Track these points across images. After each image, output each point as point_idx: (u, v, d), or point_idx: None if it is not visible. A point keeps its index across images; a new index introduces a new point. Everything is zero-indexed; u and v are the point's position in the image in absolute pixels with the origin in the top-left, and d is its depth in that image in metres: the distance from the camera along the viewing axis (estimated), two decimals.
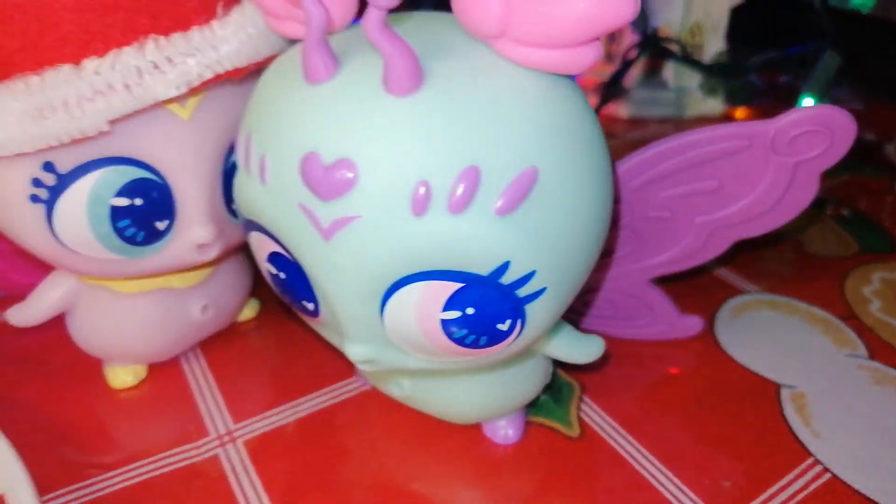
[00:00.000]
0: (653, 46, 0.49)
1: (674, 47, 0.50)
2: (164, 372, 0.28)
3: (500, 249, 0.16)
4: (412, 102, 0.16)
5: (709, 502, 0.22)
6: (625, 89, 0.52)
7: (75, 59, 0.19)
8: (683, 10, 0.50)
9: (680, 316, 0.28)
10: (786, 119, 0.23)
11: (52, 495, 0.23)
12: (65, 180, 0.21)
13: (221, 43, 0.21)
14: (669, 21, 0.51)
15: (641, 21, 0.48)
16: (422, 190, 0.16)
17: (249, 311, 0.31)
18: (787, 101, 0.53)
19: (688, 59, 0.50)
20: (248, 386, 0.28)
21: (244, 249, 0.28)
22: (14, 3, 0.19)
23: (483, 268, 0.17)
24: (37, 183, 0.21)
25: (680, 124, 0.52)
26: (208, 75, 0.21)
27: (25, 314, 0.26)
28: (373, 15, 0.15)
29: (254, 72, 0.22)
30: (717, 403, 0.26)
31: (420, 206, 0.16)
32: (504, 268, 0.17)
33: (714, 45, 0.52)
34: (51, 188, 0.21)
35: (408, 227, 0.16)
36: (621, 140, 0.49)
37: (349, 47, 0.18)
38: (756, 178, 0.24)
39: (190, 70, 0.20)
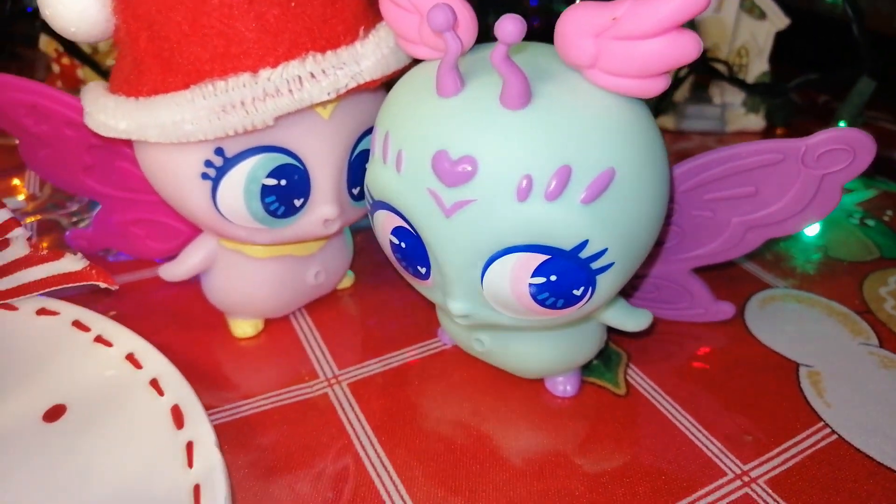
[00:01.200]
0: (701, 66, 0.53)
1: (720, 67, 0.53)
2: (277, 326, 0.34)
3: (582, 230, 0.21)
4: (522, 115, 0.21)
5: (731, 449, 0.27)
6: (674, 104, 0.56)
7: (253, 69, 0.24)
8: (731, 34, 0.54)
9: (715, 302, 0.32)
10: (816, 138, 0.27)
11: None
12: (230, 163, 0.26)
13: (362, 59, 0.26)
14: (718, 43, 0.54)
15: None
16: (525, 182, 0.20)
17: (347, 281, 0.36)
18: (825, 119, 0.56)
19: (733, 78, 0.53)
20: (348, 341, 0.33)
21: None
22: (208, 24, 0.24)
23: (567, 244, 0.21)
24: (208, 164, 0.26)
25: (722, 138, 0.56)
26: (351, 85, 0.25)
27: (175, 271, 0.32)
28: (499, 48, 0.20)
29: (384, 82, 0.26)
30: (742, 375, 0.31)
31: (523, 194, 0.21)
32: (583, 245, 0.21)
33: (758, 67, 0.55)
34: (218, 168, 0.26)
35: (512, 210, 0.21)
36: (668, 150, 0.53)
37: (472, 68, 0.22)
38: (787, 187, 0.28)
39: (338, 80, 0.25)
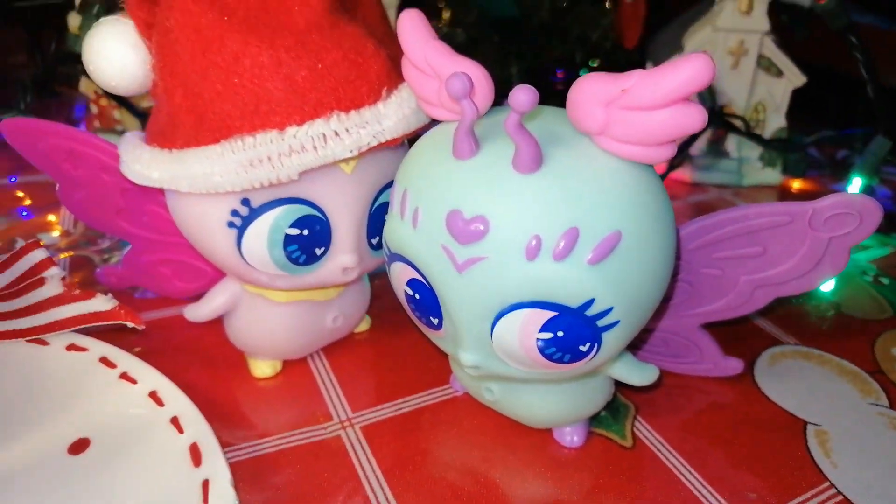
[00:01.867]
0: (718, 120, 0.54)
1: (737, 122, 0.54)
2: (295, 368, 0.35)
3: (588, 290, 0.22)
4: (533, 179, 0.22)
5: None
6: (691, 156, 0.57)
7: (280, 126, 0.26)
8: (749, 90, 0.55)
9: (724, 357, 0.33)
10: (823, 202, 0.27)
11: None
12: (255, 213, 0.27)
13: (384, 119, 0.27)
14: (734, 99, 0.56)
15: (710, 97, 0.53)
16: (534, 242, 0.22)
17: (364, 325, 0.38)
18: (841, 174, 0.56)
19: (750, 133, 0.54)
20: (362, 384, 0.34)
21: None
22: (239, 83, 0.26)
23: (573, 302, 0.22)
24: (235, 213, 0.27)
25: (739, 191, 0.57)
26: (373, 143, 0.27)
27: (199, 312, 0.33)
28: (512, 116, 0.21)
29: (404, 141, 0.28)
30: (749, 432, 0.31)
31: (532, 253, 0.22)
32: (589, 303, 0.22)
33: (775, 122, 0.56)
34: (244, 218, 0.28)
35: (521, 268, 0.22)
36: (684, 202, 0.54)
37: (487, 131, 0.23)
38: (795, 248, 0.29)
39: (361, 138, 0.27)
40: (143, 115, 0.61)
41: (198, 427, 0.25)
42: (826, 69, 0.59)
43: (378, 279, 0.38)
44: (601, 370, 0.28)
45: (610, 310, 0.22)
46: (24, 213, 0.50)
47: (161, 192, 0.31)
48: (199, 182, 0.26)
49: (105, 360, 0.29)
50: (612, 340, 0.23)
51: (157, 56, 0.28)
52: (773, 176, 0.58)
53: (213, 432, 0.25)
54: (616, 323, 0.23)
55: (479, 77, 0.24)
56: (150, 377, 0.28)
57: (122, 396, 0.27)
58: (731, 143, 0.58)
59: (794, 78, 0.55)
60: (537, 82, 0.58)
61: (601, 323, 0.22)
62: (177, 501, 0.22)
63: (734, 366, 0.33)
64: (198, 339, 0.36)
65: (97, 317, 0.30)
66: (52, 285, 0.31)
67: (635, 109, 0.21)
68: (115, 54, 0.29)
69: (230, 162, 0.26)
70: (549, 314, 0.22)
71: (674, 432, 0.31)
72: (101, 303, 0.30)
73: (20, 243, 0.42)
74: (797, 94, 0.56)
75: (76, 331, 0.31)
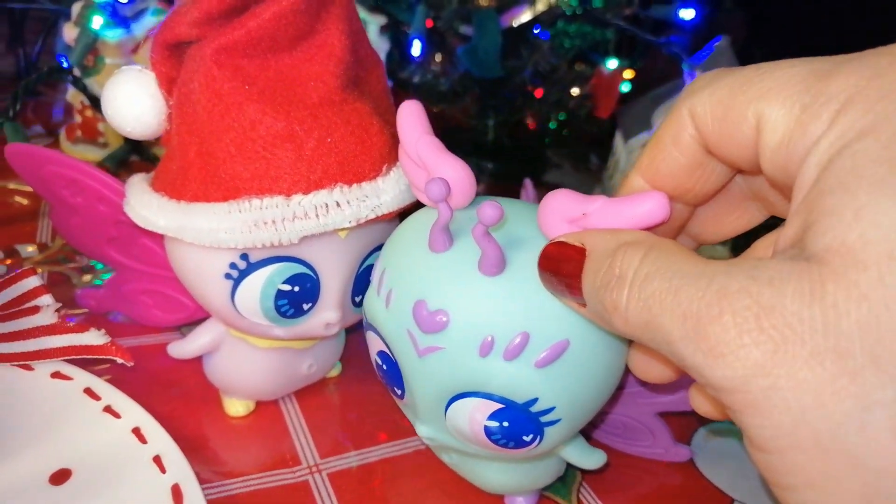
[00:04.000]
0: None
1: None
2: (267, 409, 0.40)
3: (533, 389, 0.27)
4: (494, 282, 0.27)
5: None
6: None
7: (286, 193, 0.31)
8: None
9: (675, 444, 0.38)
10: None
11: None
12: (252, 267, 0.33)
13: (383, 193, 0.33)
14: None
15: None
16: (488, 339, 0.27)
17: (335, 371, 0.43)
18: None
19: None
20: (331, 429, 0.40)
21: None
22: (252, 148, 0.31)
23: (519, 398, 0.28)
24: (233, 266, 0.33)
25: None
26: (371, 216, 0.32)
27: (183, 349, 0.39)
28: (478, 227, 0.27)
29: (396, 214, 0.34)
30: None
31: (485, 350, 0.27)
32: (533, 401, 0.28)
33: None
34: (241, 271, 0.33)
35: (474, 362, 0.27)
36: None
37: (464, 225, 0.29)
38: None
39: (361, 211, 0.32)
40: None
41: (180, 468, 0.31)
42: None
43: (354, 330, 0.43)
44: (551, 453, 0.34)
45: (552, 409, 0.28)
46: None
47: None
48: (204, 236, 0.32)
49: (89, 392, 0.34)
50: (554, 434, 0.29)
51: (176, 112, 0.34)
52: (723, 253, 0.65)
53: (194, 475, 0.31)
54: (558, 420, 0.28)
55: (461, 177, 0.29)
56: (134, 412, 0.34)
57: (106, 430, 0.33)
58: None
59: None
60: (511, 136, 0.67)
61: (544, 419, 0.28)
62: None
63: (683, 453, 0.38)
64: (171, 369, 0.41)
65: (88, 350, 0.35)
66: (46, 314, 0.37)
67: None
68: (134, 103, 0.34)
69: (236, 220, 0.31)
70: (497, 405, 0.28)
71: (616, 499, 0.36)
72: (94, 337, 0.35)
73: None
74: None
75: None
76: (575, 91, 0.83)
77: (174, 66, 0.34)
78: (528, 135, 0.89)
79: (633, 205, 0.26)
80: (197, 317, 0.42)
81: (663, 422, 0.38)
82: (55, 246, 0.53)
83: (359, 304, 0.37)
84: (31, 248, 0.53)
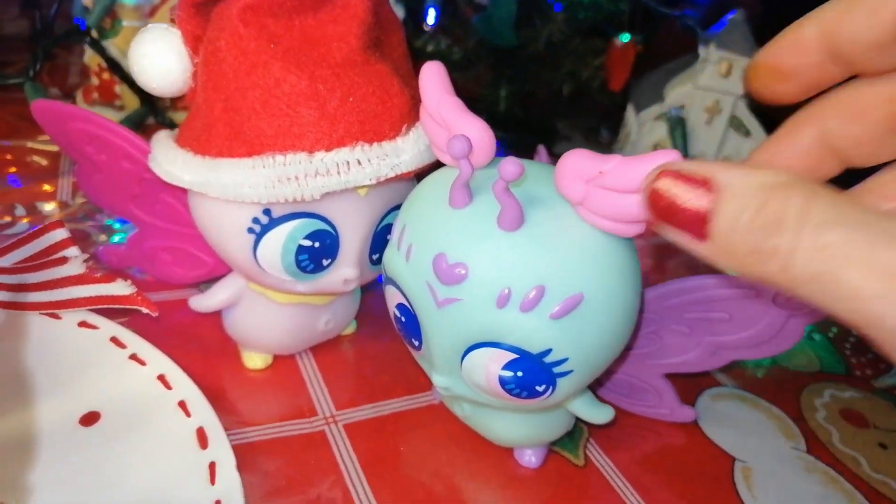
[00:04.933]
0: None
1: None
2: (284, 363, 0.41)
3: (547, 340, 0.28)
4: (512, 237, 0.28)
5: None
6: None
7: (309, 149, 0.32)
8: (719, 146, 0.67)
9: (680, 405, 0.39)
10: None
11: None
12: (274, 222, 0.34)
13: (402, 153, 0.34)
14: (704, 152, 0.67)
15: (683, 146, 0.66)
16: (505, 292, 0.28)
17: (350, 328, 0.45)
18: None
19: None
20: (346, 384, 0.41)
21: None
22: (276, 105, 0.32)
23: (533, 349, 0.29)
24: (255, 221, 0.34)
25: None
26: (390, 174, 0.33)
27: (204, 303, 0.40)
28: (499, 182, 0.28)
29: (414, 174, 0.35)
30: (685, 462, 0.39)
31: (502, 302, 0.28)
32: (547, 352, 0.29)
33: None
34: (263, 226, 0.34)
35: (491, 313, 0.28)
36: (647, 243, 0.62)
37: (483, 183, 0.30)
38: (757, 319, 0.35)
39: (381, 169, 0.33)
40: (142, 94, 0.69)
41: (204, 413, 0.32)
42: None
43: (369, 290, 0.45)
44: (561, 405, 0.35)
45: (566, 360, 0.29)
46: (12, 180, 0.58)
47: (175, 185, 0.38)
48: (228, 190, 0.33)
49: (115, 340, 0.36)
50: (566, 385, 0.30)
51: (202, 69, 0.34)
52: None
53: (218, 419, 0.32)
54: (570, 371, 0.29)
55: (482, 136, 0.30)
56: (159, 360, 0.35)
57: (132, 377, 0.34)
58: None
59: (760, 140, 0.64)
60: (523, 107, 0.68)
61: (557, 370, 0.29)
62: (185, 478, 0.29)
63: (688, 413, 0.40)
64: (191, 324, 0.42)
65: (114, 300, 0.36)
66: (74, 265, 0.38)
67: (610, 190, 0.28)
68: (160, 60, 0.35)
69: (260, 176, 0.32)
70: (511, 356, 0.29)
71: (622, 458, 0.38)
72: (120, 287, 0.36)
73: (20, 210, 0.50)
74: None
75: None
76: (588, 63, 0.84)
77: (200, 25, 0.35)
78: (539, 106, 0.89)
79: (647, 163, 0.27)
80: (216, 273, 0.43)
81: (669, 383, 0.39)
82: (75, 204, 0.54)
83: (376, 262, 0.38)
84: (50, 206, 0.54)
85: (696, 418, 0.41)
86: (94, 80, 0.73)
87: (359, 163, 0.33)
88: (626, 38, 0.83)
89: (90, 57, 0.72)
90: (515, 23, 0.79)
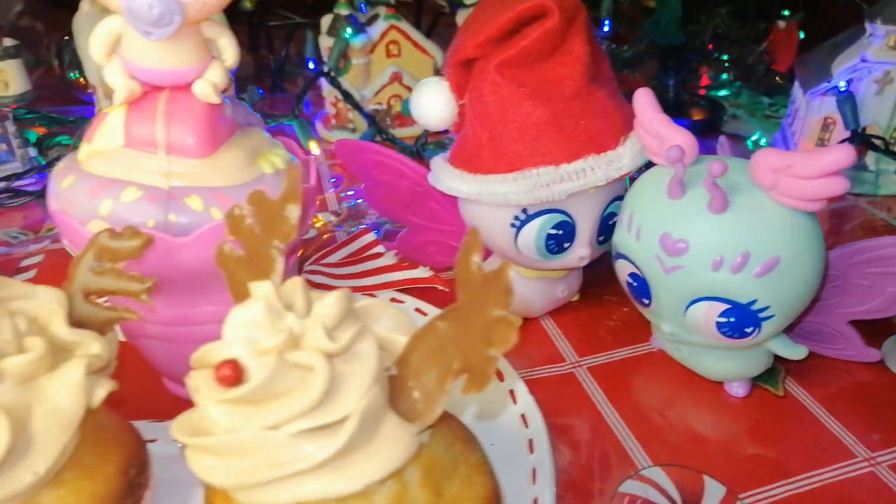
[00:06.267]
0: (861, 139, 0.67)
1: (878, 142, 0.67)
2: (531, 324, 0.53)
3: (753, 293, 0.38)
4: (721, 218, 0.38)
5: (863, 442, 0.42)
6: None
7: (555, 163, 0.43)
8: (891, 114, 0.70)
9: (865, 347, 0.47)
10: None
11: None
12: (529, 218, 0.46)
13: (622, 158, 0.44)
14: (877, 121, 0.70)
15: (853, 119, 0.68)
16: (718, 259, 0.38)
17: (576, 296, 0.56)
18: None
19: (888, 150, 0.67)
20: (581, 338, 0.52)
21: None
22: (529, 134, 0.44)
23: (742, 300, 0.38)
24: (516, 218, 0.46)
25: (874, 200, 0.72)
26: (615, 176, 0.44)
27: None
28: (708, 178, 0.38)
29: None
30: (873, 393, 0.46)
31: (716, 266, 0.38)
32: (753, 302, 0.38)
33: None
34: (522, 221, 0.46)
35: (708, 275, 0.38)
36: (824, 209, 0.67)
37: (692, 178, 0.40)
38: None
39: (608, 173, 0.44)
40: (368, 117, 0.84)
41: (507, 371, 0.44)
42: None
43: (589, 268, 0.55)
44: (763, 345, 0.44)
45: (768, 307, 0.38)
46: (333, 180, 0.76)
47: (440, 194, 0.50)
48: (498, 197, 0.45)
49: (419, 310, 0.49)
50: (769, 327, 0.40)
51: (470, 110, 0.47)
52: None
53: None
54: (772, 316, 0.39)
55: (689, 143, 0.40)
56: None
57: None
58: (871, 158, 0.72)
59: None
60: (690, 93, 0.79)
61: (761, 315, 0.39)
62: (497, 401, 0.41)
63: (873, 354, 0.47)
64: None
65: (418, 281, 0.50)
66: (388, 257, 0.52)
67: (797, 178, 0.37)
68: (434, 104, 0.48)
69: (521, 186, 0.44)
70: (725, 306, 0.39)
71: (817, 391, 0.46)
72: (422, 272, 0.50)
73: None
74: None
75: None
76: (752, 49, 0.89)
77: (463, 76, 0.47)
78: (706, 91, 0.96)
79: (828, 155, 0.36)
80: None
81: (854, 329, 0.47)
82: (343, 213, 0.69)
83: (601, 243, 0.49)
84: (325, 216, 0.69)
85: (882, 358, 0.48)
86: (332, 110, 0.89)
87: (592, 169, 0.44)
88: (789, 19, 0.88)
89: (328, 91, 0.88)
90: (681, 21, 0.87)
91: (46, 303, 0.30)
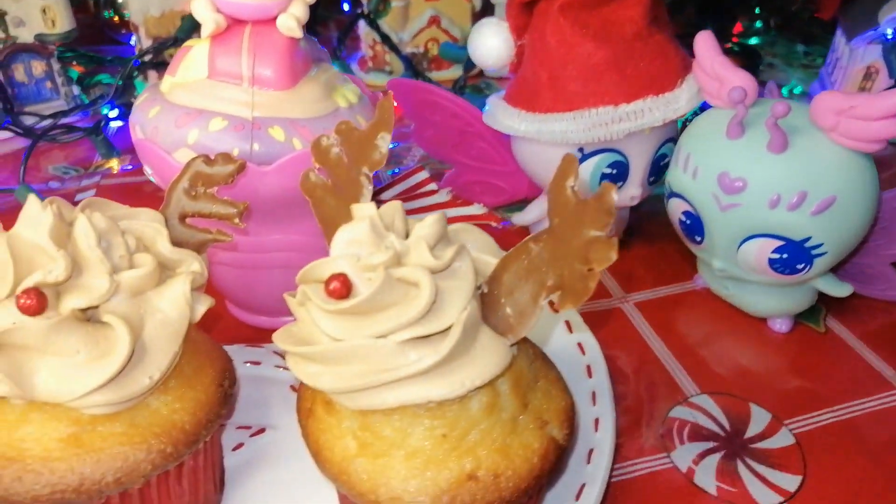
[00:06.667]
0: None
1: None
2: None
3: (808, 230, 0.39)
4: (779, 158, 0.39)
5: None
6: None
7: (614, 103, 0.45)
8: None
9: None
10: None
11: None
12: (585, 157, 0.47)
13: (680, 100, 0.45)
14: None
15: None
16: (775, 197, 0.39)
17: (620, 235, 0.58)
18: None
19: None
20: (626, 274, 0.54)
21: None
22: (589, 74, 0.45)
23: (797, 237, 0.40)
24: None
25: None
26: (672, 117, 0.45)
27: (525, 218, 0.54)
28: (770, 119, 0.39)
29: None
30: None
31: (773, 205, 0.40)
32: (807, 239, 0.40)
33: None
34: (578, 160, 0.48)
35: (765, 213, 0.40)
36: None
37: (751, 119, 0.41)
38: None
39: (666, 113, 0.45)
40: (406, 60, 0.84)
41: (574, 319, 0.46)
42: None
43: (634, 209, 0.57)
44: (809, 282, 0.46)
45: (821, 244, 0.40)
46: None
47: (491, 134, 0.51)
48: (556, 136, 0.46)
49: None
50: (820, 263, 0.41)
51: (530, 50, 0.48)
52: None
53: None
54: (824, 253, 0.40)
55: (749, 85, 0.41)
56: None
57: None
58: None
59: None
60: (728, 39, 0.78)
61: (814, 252, 0.40)
62: (564, 352, 0.43)
63: None
64: (519, 234, 0.57)
65: (471, 218, 0.52)
66: (442, 194, 0.53)
67: (859, 119, 0.38)
68: (493, 44, 0.49)
69: (580, 125, 0.45)
70: (779, 243, 0.40)
71: (857, 329, 0.48)
72: (476, 209, 0.52)
73: None
74: None
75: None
76: None
77: (523, 18, 0.48)
78: (738, 38, 0.95)
79: (890, 96, 0.37)
80: (513, 199, 0.57)
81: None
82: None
83: (652, 184, 0.50)
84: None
85: None
86: (369, 52, 0.90)
87: (650, 110, 0.45)
88: None
89: (366, 33, 0.88)
90: None
91: (150, 223, 0.32)
